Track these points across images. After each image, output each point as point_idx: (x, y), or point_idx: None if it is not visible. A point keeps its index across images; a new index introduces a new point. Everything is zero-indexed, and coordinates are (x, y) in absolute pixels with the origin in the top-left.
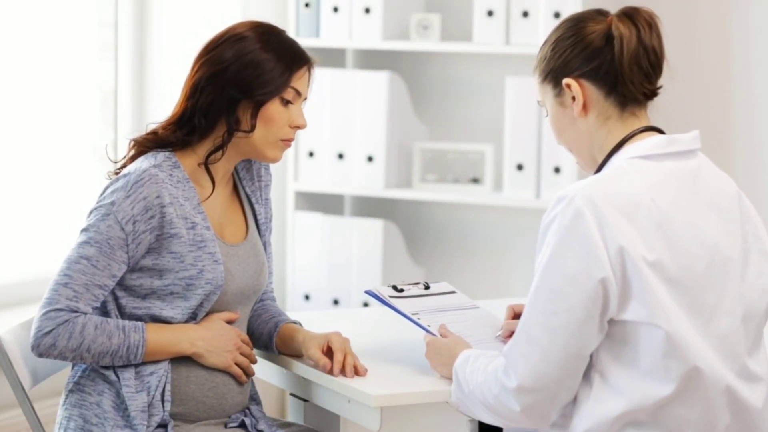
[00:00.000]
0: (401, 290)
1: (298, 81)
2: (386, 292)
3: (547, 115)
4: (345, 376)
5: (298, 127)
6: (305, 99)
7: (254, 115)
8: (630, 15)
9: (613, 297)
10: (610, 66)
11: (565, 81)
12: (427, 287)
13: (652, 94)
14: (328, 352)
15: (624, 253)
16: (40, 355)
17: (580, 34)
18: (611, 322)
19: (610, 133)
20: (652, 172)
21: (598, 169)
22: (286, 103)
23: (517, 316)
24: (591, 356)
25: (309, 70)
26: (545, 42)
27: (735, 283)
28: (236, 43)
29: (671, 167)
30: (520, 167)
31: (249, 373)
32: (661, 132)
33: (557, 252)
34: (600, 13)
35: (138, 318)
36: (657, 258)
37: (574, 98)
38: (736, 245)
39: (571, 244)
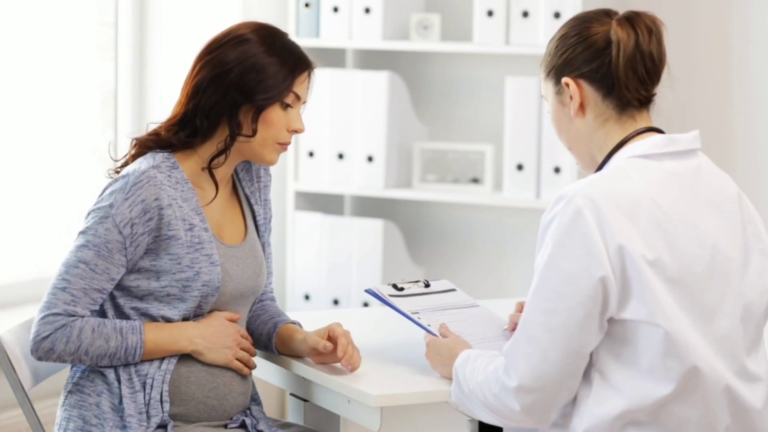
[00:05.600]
0: (401, 288)
1: (299, 86)
2: (386, 290)
3: (549, 111)
4: (345, 364)
5: (296, 131)
6: (304, 103)
7: (255, 119)
8: (631, 19)
9: (612, 296)
10: (608, 69)
11: (564, 80)
12: (427, 285)
13: (646, 100)
14: (330, 341)
15: (624, 252)
16: (39, 359)
17: (583, 34)
18: (611, 321)
19: (608, 135)
20: (652, 172)
21: (598, 169)
22: (286, 107)
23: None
24: (591, 355)
25: (310, 75)
26: (552, 38)
27: (735, 284)
28: (239, 45)
29: (671, 167)
30: (520, 167)
31: (250, 366)
32: (661, 132)
33: (557, 251)
34: (607, 15)
35: (137, 316)
36: (657, 257)
37: (572, 97)
38: (736, 245)
39: (571, 243)
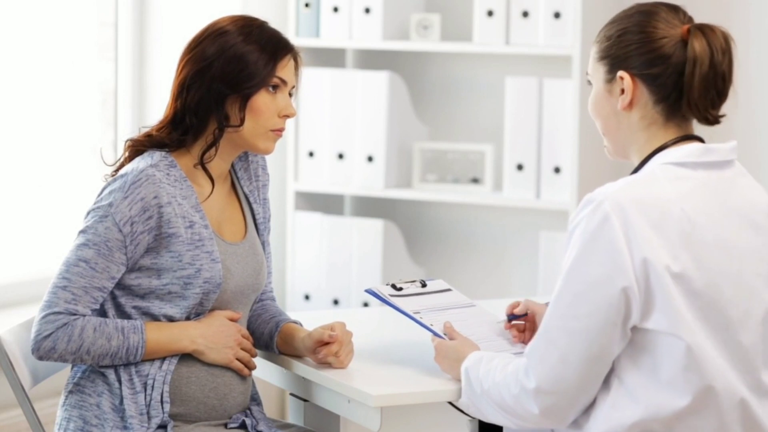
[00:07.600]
0: (400, 288)
1: (282, 70)
2: (386, 290)
3: (590, 83)
4: (335, 362)
5: (287, 116)
6: (293, 87)
7: (242, 109)
8: (705, 34)
9: (635, 306)
10: (670, 77)
11: (620, 73)
12: (423, 285)
13: (714, 120)
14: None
15: (648, 265)
16: (41, 358)
17: (650, 35)
18: (634, 329)
19: (650, 140)
20: (685, 181)
21: (633, 172)
22: (273, 93)
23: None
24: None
25: (295, 59)
26: (613, 21)
27: (759, 298)
28: (218, 38)
29: (705, 177)
30: (520, 167)
31: (250, 367)
32: (701, 141)
33: (582, 256)
34: (675, 14)
35: (139, 315)
36: (682, 269)
37: (623, 91)
38: (764, 259)
39: (596, 249)
